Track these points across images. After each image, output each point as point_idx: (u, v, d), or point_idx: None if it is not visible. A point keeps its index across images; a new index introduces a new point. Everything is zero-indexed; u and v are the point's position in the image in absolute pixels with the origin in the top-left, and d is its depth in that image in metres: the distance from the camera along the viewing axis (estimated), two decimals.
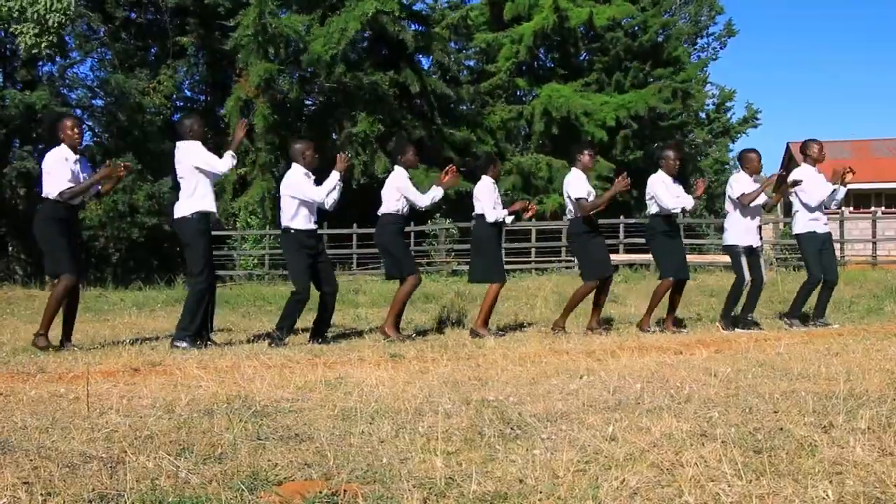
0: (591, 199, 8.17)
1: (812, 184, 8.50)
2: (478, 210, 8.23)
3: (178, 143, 7.27)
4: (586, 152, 8.38)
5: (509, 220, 8.35)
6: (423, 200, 8.15)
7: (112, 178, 7.45)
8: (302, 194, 7.44)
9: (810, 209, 8.51)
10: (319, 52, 23.23)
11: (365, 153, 24.13)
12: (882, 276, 14.58)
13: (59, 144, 7.18)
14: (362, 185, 23.21)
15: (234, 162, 7.33)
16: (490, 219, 8.13)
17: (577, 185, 8.17)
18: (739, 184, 8.45)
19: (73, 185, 7.01)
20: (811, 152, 8.64)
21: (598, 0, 29.38)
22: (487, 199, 8.15)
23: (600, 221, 19.50)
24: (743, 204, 8.34)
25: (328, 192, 7.61)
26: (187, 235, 7.18)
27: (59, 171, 7.00)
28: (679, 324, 8.68)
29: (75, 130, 7.23)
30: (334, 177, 7.66)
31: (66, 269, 7.08)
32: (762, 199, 8.51)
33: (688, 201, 8.36)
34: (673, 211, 8.30)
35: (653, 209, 8.39)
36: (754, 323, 8.49)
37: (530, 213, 8.91)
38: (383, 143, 24.46)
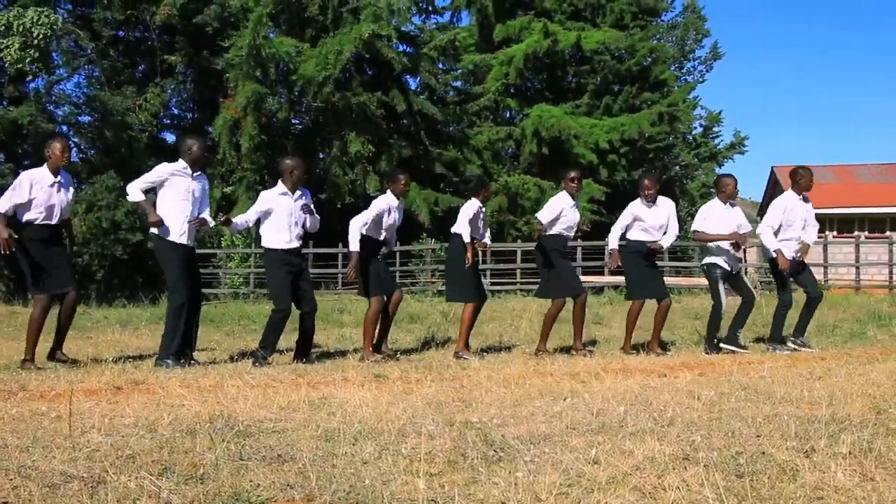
0: (554, 224, 8.36)
1: (793, 212, 8.59)
2: (455, 229, 8.26)
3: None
4: (572, 174, 8.50)
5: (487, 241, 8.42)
6: (354, 231, 7.86)
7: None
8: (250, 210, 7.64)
9: (788, 236, 8.61)
10: (312, 74, 23.29)
11: (353, 172, 24.16)
12: (865, 300, 14.67)
13: (42, 164, 7.26)
14: (349, 205, 23.21)
15: (135, 198, 7.17)
16: (466, 238, 8.14)
17: (549, 209, 8.41)
18: (706, 215, 8.58)
19: (8, 211, 7.00)
20: (801, 180, 8.68)
21: (586, 22, 29.61)
22: (465, 220, 8.18)
23: (585, 243, 19.51)
24: (696, 238, 8.55)
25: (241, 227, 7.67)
26: (158, 255, 7.25)
27: (15, 192, 7.03)
28: (664, 346, 8.71)
29: (65, 154, 7.32)
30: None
31: (39, 289, 7.09)
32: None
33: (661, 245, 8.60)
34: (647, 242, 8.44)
35: (630, 235, 8.54)
36: (739, 344, 8.52)
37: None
38: (373, 162, 24.49)
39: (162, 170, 7.20)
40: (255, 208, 7.57)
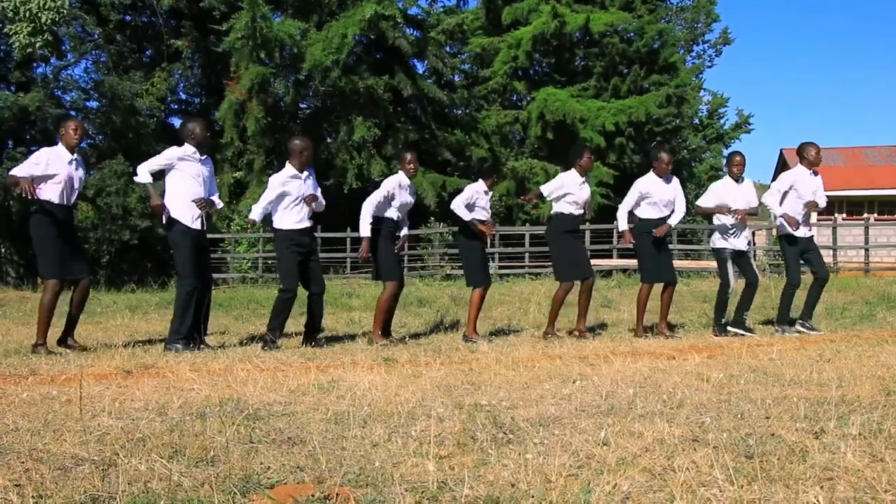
0: (559, 202, 8.38)
1: (803, 184, 8.53)
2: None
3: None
4: (585, 155, 8.46)
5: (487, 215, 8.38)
6: (366, 213, 7.82)
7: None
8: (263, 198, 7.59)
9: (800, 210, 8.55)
10: (319, 58, 23.22)
11: (360, 157, 24.13)
12: (874, 282, 14.62)
13: (56, 144, 7.28)
14: (356, 189, 23.20)
15: (143, 179, 7.16)
16: (462, 215, 8.13)
17: (552, 182, 8.53)
18: (711, 192, 8.59)
19: (28, 175, 6.93)
20: (808, 155, 8.64)
21: (594, 5, 29.45)
22: (464, 197, 8.18)
23: (593, 226, 19.42)
24: (698, 212, 8.55)
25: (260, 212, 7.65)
26: (171, 239, 7.24)
27: (36, 165, 7.03)
28: (672, 329, 8.70)
29: (79, 132, 7.32)
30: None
31: (51, 275, 7.09)
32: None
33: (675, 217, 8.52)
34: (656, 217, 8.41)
35: (638, 212, 8.50)
36: (747, 327, 8.50)
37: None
38: (379, 147, 24.45)
39: (171, 153, 7.22)
40: (269, 196, 7.49)
